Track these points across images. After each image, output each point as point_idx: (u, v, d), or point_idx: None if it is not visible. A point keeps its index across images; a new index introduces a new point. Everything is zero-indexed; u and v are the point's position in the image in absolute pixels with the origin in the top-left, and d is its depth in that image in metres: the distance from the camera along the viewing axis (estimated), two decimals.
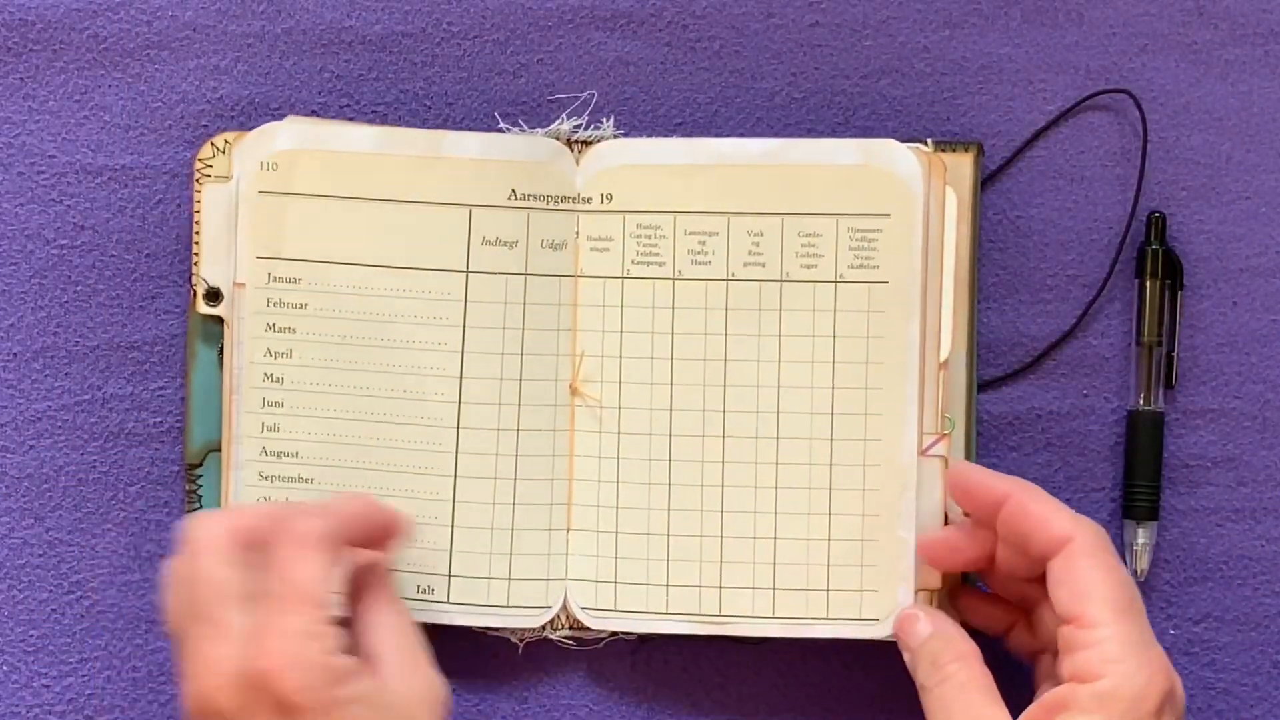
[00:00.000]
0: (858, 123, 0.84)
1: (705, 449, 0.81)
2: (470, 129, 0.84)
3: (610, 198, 0.82)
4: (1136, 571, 0.83)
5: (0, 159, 0.84)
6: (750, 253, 0.81)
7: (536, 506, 0.82)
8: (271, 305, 0.81)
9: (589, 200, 0.82)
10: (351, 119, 0.84)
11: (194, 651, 0.71)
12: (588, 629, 0.83)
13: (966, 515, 0.79)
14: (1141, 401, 0.84)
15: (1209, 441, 0.84)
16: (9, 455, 0.85)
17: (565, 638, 0.83)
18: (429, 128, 0.84)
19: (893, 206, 0.80)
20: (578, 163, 0.82)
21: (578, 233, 0.82)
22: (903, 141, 0.82)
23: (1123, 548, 0.84)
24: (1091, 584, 0.74)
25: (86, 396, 0.85)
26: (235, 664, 0.70)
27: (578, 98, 0.84)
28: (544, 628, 0.83)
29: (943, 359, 0.81)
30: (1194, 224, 0.84)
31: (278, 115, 0.84)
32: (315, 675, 0.70)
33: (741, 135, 0.84)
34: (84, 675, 0.85)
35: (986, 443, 0.84)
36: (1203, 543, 0.84)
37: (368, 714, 0.71)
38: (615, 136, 0.84)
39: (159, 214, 0.85)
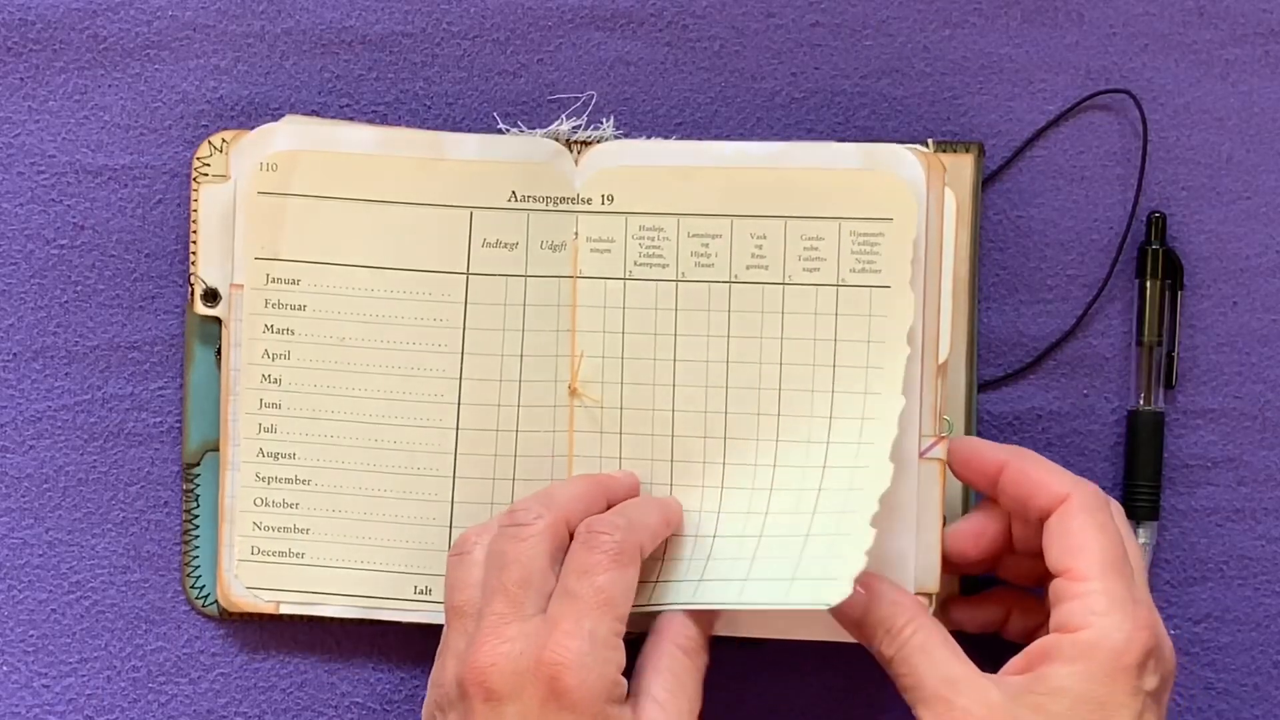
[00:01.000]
0: (858, 123, 0.84)
1: (706, 449, 0.81)
2: (470, 129, 0.84)
3: (611, 199, 0.82)
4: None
5: (0, 159, 0.84)
6: (753, 255, 0.81)
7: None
8: (270, 307, 0.81)
9: (589, 201, 0.82)
10: (351, 119, 0.84)
11: (484, 627, 0.72)
12: None
13: (964, 513, 0.80)
14: (1141, 401, 0.84)
15: (1209, 441, 0.84)
16: (9, 455, 0.85)
17: None
18: (429, 128, 0.84)
19: (895, 211, 0.80)
20: (577, 163, 0.82)
21: (576, 234, 0.82)
22: (903, 141, 0.81)
23: None
24: (1083, 539, 0.74)
25: (86, 396, 0.85)
26: (524, 647, 0.71)
27: (578, 98, 0.84)
28: None
29: (941, 361, 0.81)
30: (1194, 224, 0.84)
31: (277, 115, 0.84)
32: (599, 684, 0.71)
33: (742, 135, 0.84)
34: (84, 675, 0.85)
35: None
36: (1203, 543, 0.84)
37: None
38: (615, 137, 0.83)
39: (159, 214, 0.85)
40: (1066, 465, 0.83)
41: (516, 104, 0.84)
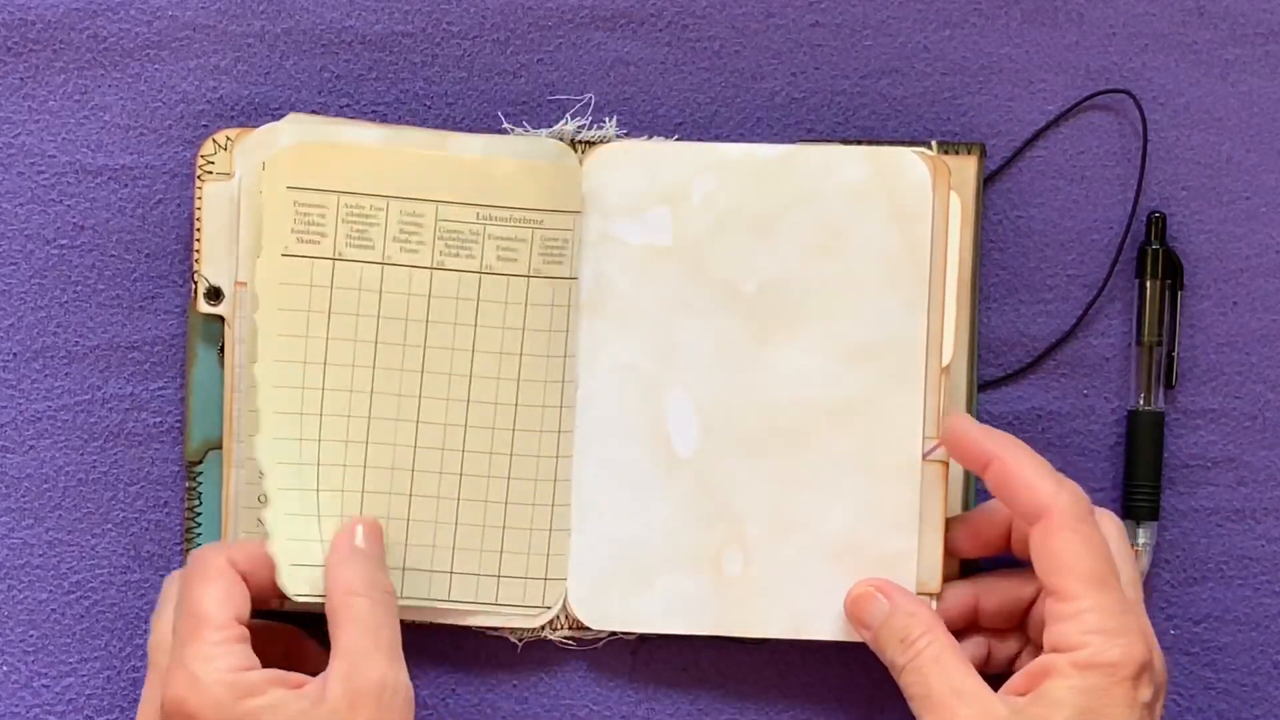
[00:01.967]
0: (858, 123, 0.84)
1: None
2: (471, 129, 0.84)
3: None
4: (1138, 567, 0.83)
5: (0, 159, 0.84)
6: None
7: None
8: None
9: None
10: (352, 119, 0.84)
11: (144, 697, 0.77)
12: (588, 629, 0.83)
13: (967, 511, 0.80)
14: (1141, 401, 0.84)
15: (1209, 441, 0.84)
16: (9, 455, 0.84)
17: (565, 638, 0.83)
18: (429, 128, 0.84)
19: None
20: (581, 163, 0.82)
21: (580, 235, 0.82)
22: (904, 141, 0.81)
23: None
24: (1067, 557, 0.75)
25: (86, 396, 0.85)
26: (156, 702, 0.75)
27: (578, 99, 0.84)
28: (544, 628, 0.83)
29: (945, 363, 0.81)
30: (1194, 224, 0.84)
31: (278, 115, 0.83)
32: (217, 692, 0.73)
33: (741, 135, 0.84)
34: (84, 675, 0.85)
35: None
36: (1203, 543, 0.84)
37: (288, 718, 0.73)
38: (618, 137, 0.83)
39: (159, 213, 0.84)
40: (1066, 466, 0.83)
41: (517, 104, 0.84)
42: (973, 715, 0.74)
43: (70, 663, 0.85)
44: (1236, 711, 0.84)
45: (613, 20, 0.85)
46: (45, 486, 0.85)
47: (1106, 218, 0.84)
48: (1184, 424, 0.84)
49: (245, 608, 0.76)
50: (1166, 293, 0.84)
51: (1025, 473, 0.76)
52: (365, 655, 0.74)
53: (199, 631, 0.74)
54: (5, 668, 0.85)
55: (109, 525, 0.85)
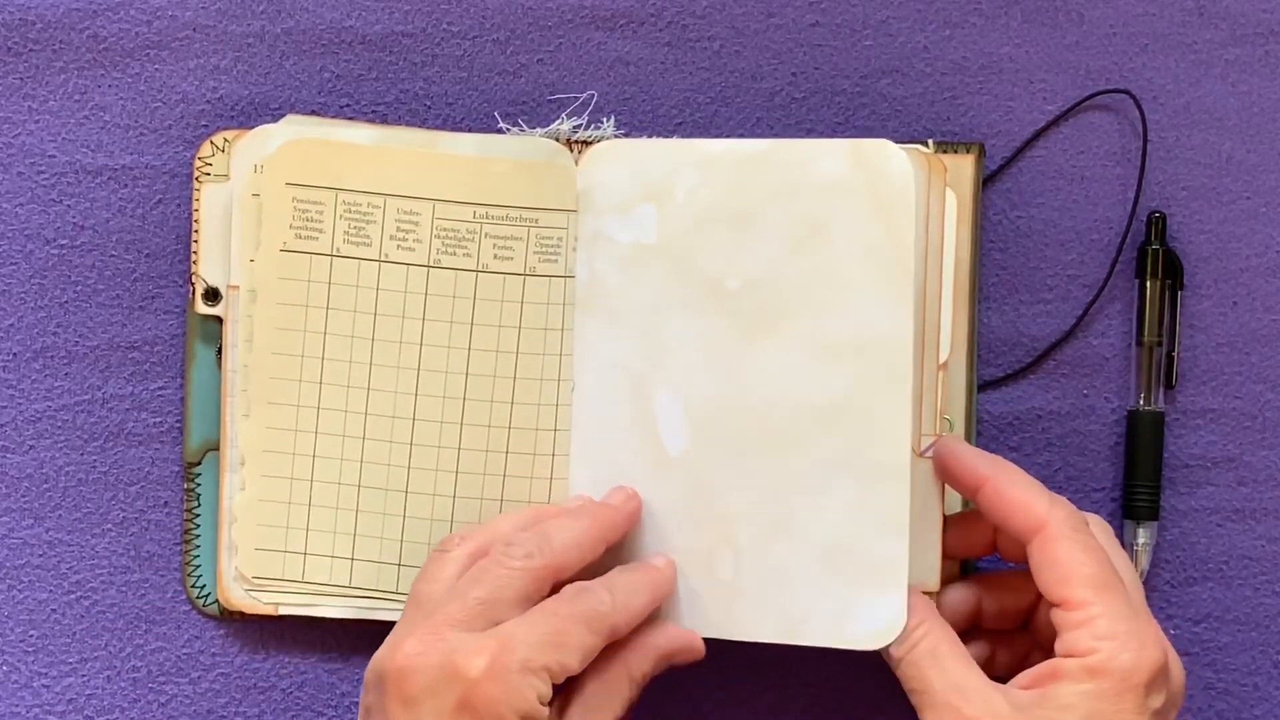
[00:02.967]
0: (858, 123, 0.84)
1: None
2: (470, 129, 0.84)
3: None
4: (1137, 572, 0.83)
5: (0, 159, 0.84)
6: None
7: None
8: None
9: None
10: (351, 119, 0.84)
11: (428, 624, 0.74)
12: None
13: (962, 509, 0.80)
14: (1141, 401, 0.84)
15: (1209, 441, 0.84)
16: (9, 455, 0.85)
17: None
18: (429, 128, 0.84)
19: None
20: (577, 163, 0.82)
21: (576, 234, 0.82)
22: (904, 142, 0.81)
23: (1123, 548, 0.84)
24: (1070, 566, 0.74)
25: (86, 396, 0.85)
26: (450, 656, 0.73)
27: (577, 98, 0.84)
28: None
29: (942, 360, 0.80)
30: (1194, 224, 0.84)
31: (278, 115, 0.84)
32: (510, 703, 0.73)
33: (742, 135, 0.84)
34: (84, 675, 0.85)
35: (986, 442, 0.84)
36: (1203, 543, 0.84)
37: None
38: (615, 136, 0.83)
39: (159, 214, 0.85)
40: (1066, 465, 0.84)
41: (516, 104, 0.84)
42: (976, 714, 0.73)
43: (70, 663, 0.85)
44: (1236, 711, 0.84)
45: (613, 20, 0.85)
46: (45, 486, 0.85)
47: (1106, 218, 0.84)
48: (1184, 424, 0.84)
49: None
50: (1166, 293, 0.83)
51: (1018, 491, 0.76)
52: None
53: (544, 650, 0.73)
54: (5, 668, 0.85)
55: (109, 525, 0.85)
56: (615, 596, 0.76)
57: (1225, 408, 0.84)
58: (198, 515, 0.84)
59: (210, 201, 0.82)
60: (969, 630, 0.81)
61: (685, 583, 0.81)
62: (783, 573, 0.79)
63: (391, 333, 0.81)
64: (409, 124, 0.84)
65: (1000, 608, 0.80)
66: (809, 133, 0.84)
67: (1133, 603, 0.74)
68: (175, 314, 0.84)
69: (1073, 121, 0.84)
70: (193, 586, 0.84)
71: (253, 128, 0.82)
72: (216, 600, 0.83)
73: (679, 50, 0.85)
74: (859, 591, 0.77)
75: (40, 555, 0.85)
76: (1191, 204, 0.84)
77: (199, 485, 0.84)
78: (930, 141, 0.82)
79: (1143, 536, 0.83)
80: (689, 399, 0.80)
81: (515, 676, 0.72)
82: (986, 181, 0.84)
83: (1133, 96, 0.84)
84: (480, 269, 0.81)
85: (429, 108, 0.84)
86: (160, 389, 0.85)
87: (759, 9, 0.84)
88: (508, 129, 0.84)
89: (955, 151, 0.82)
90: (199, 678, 0.85)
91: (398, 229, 0.81)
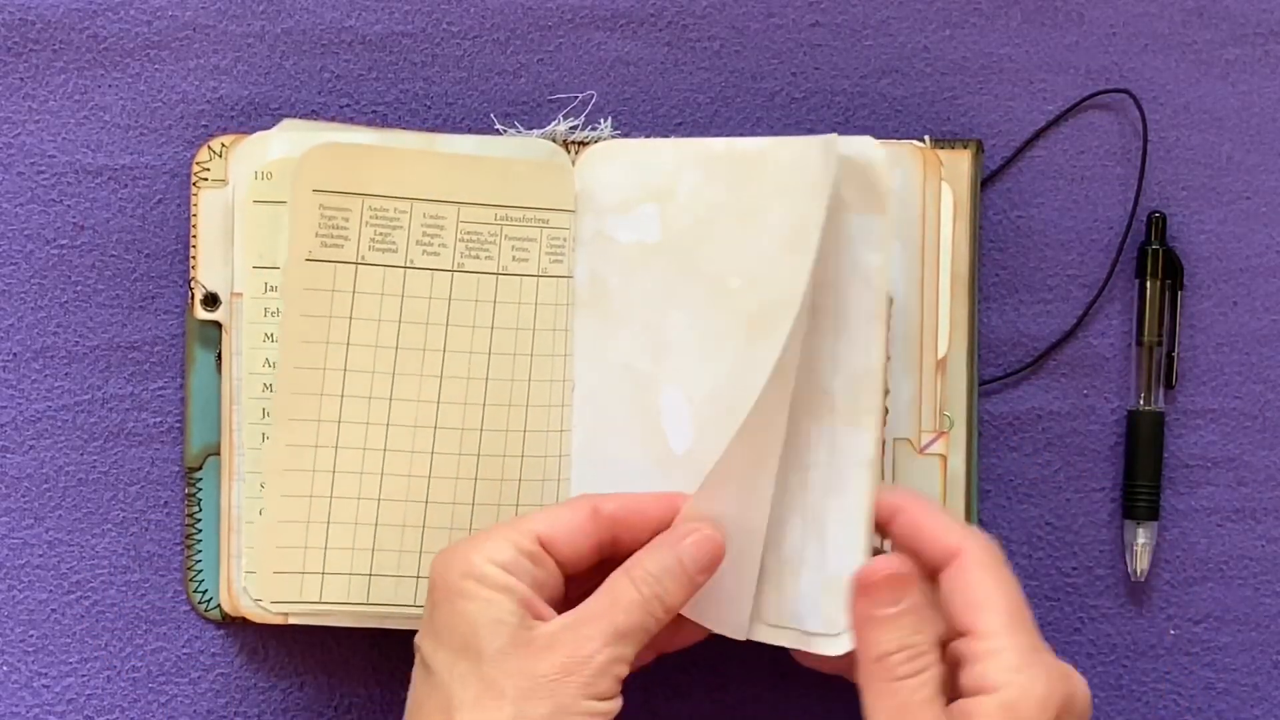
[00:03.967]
0: (858, 123, 0.84)
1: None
2: (470, 129, 0.84)
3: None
4: (1136, 571, 0.83)
5: (0, 159, 0.85)
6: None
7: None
8: (269, 315, 0.80)
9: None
10: (351, 119, 0.84)
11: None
12: None
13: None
14: (1141, 401, 0.84)
15: (1209, 441, 0.84)
16: (9, 455, 0.85)
17: None
18: (428, 128, 0.84)
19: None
20: (574, 163, 0.82)
21: (576, 235, 0.82)
22: (903, 141, 0.81)
23: (1123, 548, 0.84)
24: (984, 594, 0.72)
25: (86, 396, 0.85)
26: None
27: (577, 98, 0.84)
28: None
29: (940, 356, 0.80)
30: (1194, 224, 0.84)
31: (278, 115, 0.84)
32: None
33: (742, 135, 0.84)
34: (84, 675, 0.85)
35: (986, 443, 0.84)
36: (1203, 543, 0.84)
37: None
38: (613, 136, 0.83)
39: (159, 214, 0.85)
40: (1066, 465, 0.84)
41: (516, 104, 0.85)
42: None
43: (70, 663, 0.85)
44: (1236, 711, 0.84)
45: (613, 20, 0.85)
46: (45, 486, 0.85)
47: (1106, 218, 0.84)
48: (1184, 424, 0.84)
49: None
50: (1166, 293, 0.84)
51: (934, 519, 0.74)
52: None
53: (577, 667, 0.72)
54: (5, 668, 0.85)
55: (109, 525, 0.85)
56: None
57: (1225, 408, 0.84)
58: (199, 520, 0.84)
59: (208, 207, 0.82)
60: None
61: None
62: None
63: (415, 340, 0.80)
64: (409, 124, 0.84)
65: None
66: (809, 133, 0.84)
67: (1036, 638, 0.72)
68: (175, 314, 0.84)
69: (1072, 121, 0.85)
70: (195, 591, 0.84)
71: (252, 129, 0.82)
72: (219, 605, 0.83)
73: (679, 50, 0.85)
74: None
75: (40, 555, 0.85)
76: (1191, 204, 0.84)
77: (200, 490, 0.83)
78: (927, 138, 0.82)
79: (1143, 536, 0.83)
80: (693, 398, 0.80)
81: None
82: (986, 181, 0.84)
83: (1133, 96, 0.84)
84: (500, 271, 0.81)
85: (429, 108, 0.85)
86: (160, 389, 0.85)
87: (759, 9, 0.85)
88: (504, 130, 0.84)
89: (952, 148, 0.82)
90: (199, 678, 0.85)
91: (424, 234, 0.80)
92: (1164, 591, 0.84)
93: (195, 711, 0.85)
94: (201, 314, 0.82)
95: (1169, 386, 0.84)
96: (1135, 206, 0.84)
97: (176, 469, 0.85)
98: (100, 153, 0.85)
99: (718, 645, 0.80)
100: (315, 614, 0.81)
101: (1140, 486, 0.83)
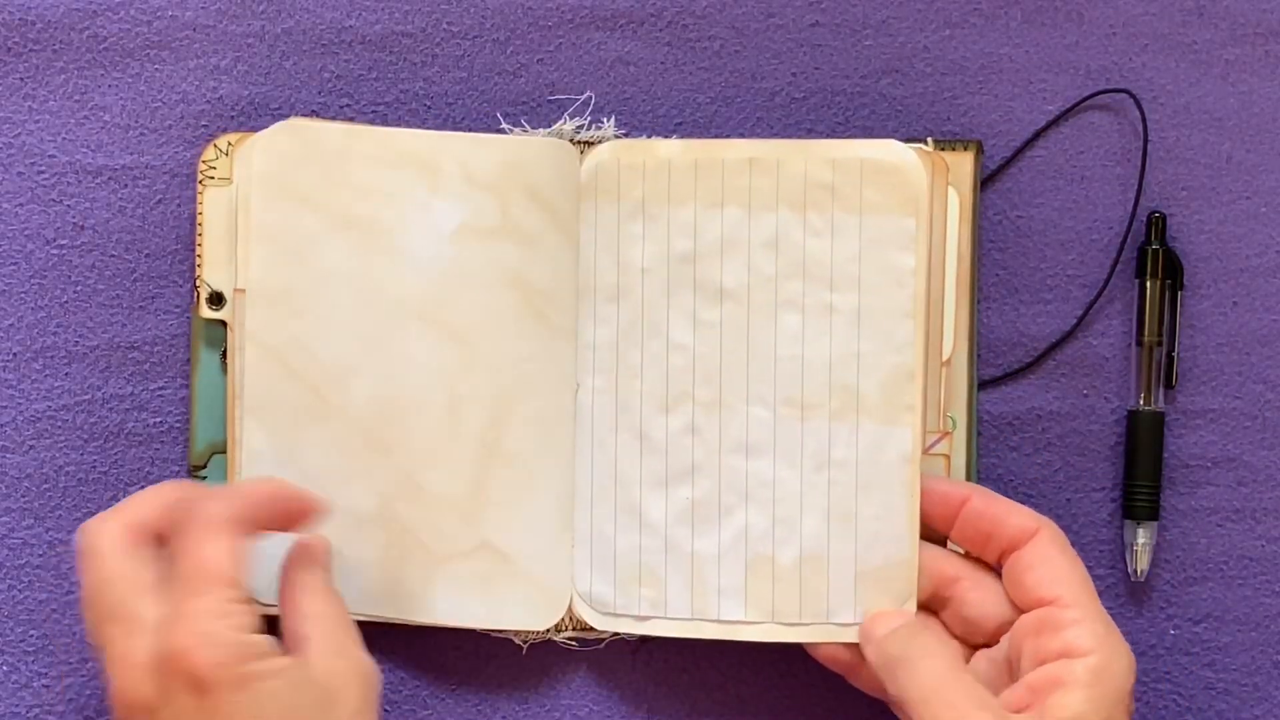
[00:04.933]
0: (858, 123, 0.84)
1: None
2: (470, 129, 0.84)
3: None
4: (1136, 571, 0.83)
5: (0, 159, 0.84)
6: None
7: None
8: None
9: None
10: (352, 119, 0.84)
11: (112, 651, 0.72)
12: (592, 630, 0.82)
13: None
14: (1141, 401, 0.84)
15: (1209, 441, 0.84)
16: (9, 455, 0.84)
17: (569, 639, 0.83)
18: (429, 128, 0.84)
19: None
20: (581, 162, 0.82)
21: (579, 232, 0.82)
22: (903, 141, 0.81)
23: (1123, 547, 0.84)
24: (1067, 568, 0.76)
25: (86, 396, 0.85)
26: (149, 652, 0.71)
27: (577, 98, 0.84)
28: (549, 630, 0.82)
29: (945, 358, 0.81)
30: (1194, 224, 0.84)
31: (278, 115, 0.84)
32: (227, 651, 0.70)
33: (741, 135, 0.84)
34: (84, 675, 0.85)
35: (986, 442, 0.84)
36: (1203, 543, 0.84)
37: (285, 690, 0.71)
38: (616, 136, 0.84)
39: (159, 214, 0.85)
40: (1066, 465, 0.84)
41: (517, 104, 0.85)
42: None
43: (70, 663, 0.85)
44: (1236, 711, 0.84)
45: (613, 20, 0.85)
46: (45, 486, 0.85)
47: (1106, 218, 0.84)
48: (1184, 424, 0.84)
49: (246, 568, 0.74)
50: (1166, 293, 0.84)
51: (1006, 503, 0.78)
52: (345, 637, 0.74)
53: (208, 586, 0.71)
54: (5, 668, 0.85)
55: None
56: (232, 491, 0.76)
57: (1225, 408, 0.84)
58: None
59: (214, 205, 0.82)
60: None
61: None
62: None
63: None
64: (409, 124, 0.84)
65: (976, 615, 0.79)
66: (809, 133, 0.84)
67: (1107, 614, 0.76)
68: (176, 314, 0.84)
69: (1072, 121, 0.85)
70: None
71: (252, 129, 0.82)
72: None
73: (679, 50, 0.85)
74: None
75: (40, 555, 0.85)
76: (1191, 204, 0.84)
77: None
78: (929, 140, 0.82)
79: (1143, 536, 0.83)
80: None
81: (206, 627, 0.71)
82: (986, 181, 0.84)
83: (1133, 96, 0.84)
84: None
85: (429, 108, 0.84)
86: (161, 389, 0.85)
87: (759, 9, 0.85)
88: (510, 129, 0.84)
89: (954, 149, 0.82)
90: None
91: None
92: (1164, 591, 0.84)
93: None
94: (207, 313, 0.82)
95: (1169, 386, 0.84)
96: (1135, 206, 0.84)
97: (177, 469, 0.84)
98: (100, 153, 0.84)
99: (718, 645, 0.80)
100: None
101: (1140, 486, 0.83)
